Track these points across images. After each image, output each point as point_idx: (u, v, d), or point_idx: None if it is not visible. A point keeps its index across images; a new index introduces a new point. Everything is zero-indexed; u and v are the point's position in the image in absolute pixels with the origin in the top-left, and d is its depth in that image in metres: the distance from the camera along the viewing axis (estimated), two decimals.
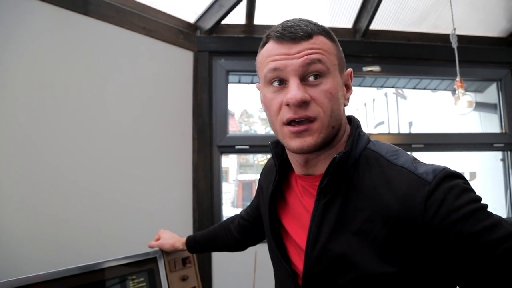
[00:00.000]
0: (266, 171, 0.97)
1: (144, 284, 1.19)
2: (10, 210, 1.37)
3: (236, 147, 2.04)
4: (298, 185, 0.81)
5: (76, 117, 1.55)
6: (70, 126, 1.53)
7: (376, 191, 0.66)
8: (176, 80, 1.93)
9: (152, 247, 1.27)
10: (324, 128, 0.69)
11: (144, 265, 1.22)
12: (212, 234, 1.24)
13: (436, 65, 2.29)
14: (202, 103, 1.99)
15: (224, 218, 2.03)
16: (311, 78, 0.69)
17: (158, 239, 1.29)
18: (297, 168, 0.80)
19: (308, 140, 0.69)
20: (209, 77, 2.02)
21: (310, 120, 0.68)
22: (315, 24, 0.72)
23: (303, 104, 0.68)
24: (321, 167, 0.75)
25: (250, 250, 1.88)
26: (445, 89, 2.87)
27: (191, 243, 1.24)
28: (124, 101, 1.72)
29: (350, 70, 0.78)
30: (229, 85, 2.10)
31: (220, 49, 2.02)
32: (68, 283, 1.05)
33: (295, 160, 0.79)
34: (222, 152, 2.03)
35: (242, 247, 1.23)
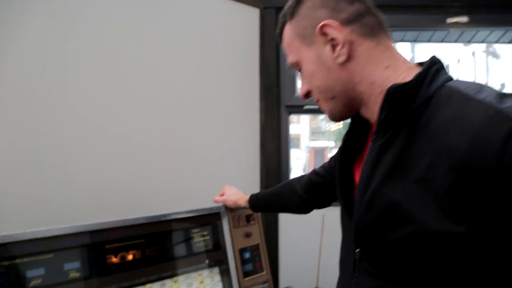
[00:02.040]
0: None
1: (207, 237, 1.21)
2: (79, 163, 1.44)
3: (305, 107, 1.96)
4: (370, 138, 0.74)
5: (141, 78, 1.58)
6: (138, 87, 1.56)
7: (444, 130, 0.54)
8: (241, 39, 1.87)
9: (216, 202, 1.28)
10: (326, 104, 0.72)
11: (208, 220, 1.23)
12: (276, 193, 1.20)
13: None
14: (269, 62, 1.92)
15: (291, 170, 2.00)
16: (300, 72, 0.75)
17: (222, 195, 1.29)
18: None
19: (327, 116, 0.75)
20: (276, 35, 1.93)
21: (308, 94, 0.76)
22: (284, 13, 0.76)
23: (308, 95, 0.76)
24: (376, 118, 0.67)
25: (318, 213, 1.83)
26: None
27: (254, 201, 1.22)
28: (188, 61, 1.72)
29: (319, 26, 0.66)
30: None
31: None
32: (136, 231, 1.09)
33: None
34: (290, 112, 1.97)
35: (307, 208, 1.16)
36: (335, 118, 0.73)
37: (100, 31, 1.46)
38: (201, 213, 1.21)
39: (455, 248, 0.53)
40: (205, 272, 1.19)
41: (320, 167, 1.10)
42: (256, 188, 1.84)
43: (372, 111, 0.68)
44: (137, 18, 1.57)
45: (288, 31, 0.74)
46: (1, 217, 1.27)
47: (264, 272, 1.29)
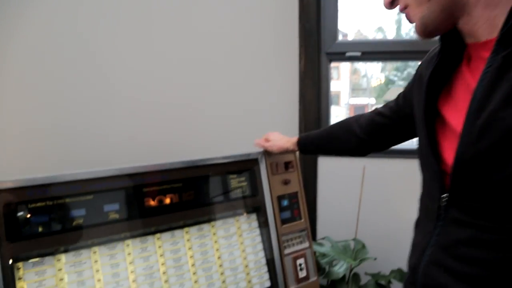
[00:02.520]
0: (429, 57, 0.77)
1: (245, 183, 1.18)
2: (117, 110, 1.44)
3: (347, 54, 1.85)
4: (470, 60, 0.63)
5: (175, 25, 1.53)
6: (172, 34, 1.51)
7: None
8: None
9: (259, 146, 1.23)
10: (419, 10, 0.60)
11: (246, 166, 1.20)
12: (329, 134, 1.12)
13: None
14: (309, 5, 1.80)
15: None
16: None
17: (267, 141, 1.23)
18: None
19: (416, 27, 0.62)
20: None
21: (406, 7, 0.62)
22: None
23: (394, 3, 0.64)
24: (487, 28, 0.56)
25: (358, 165, 1.78)
26: None
27: (304, 142, 1.16)
28: (223, 7, 1.64)
29: None
30: None
31: None
32: (173, 175, 1.08)
33: None
34: (331, 60, 1.86)
35: (365, 151, 1.08)
36: (426, 29, 0.61)
37: None
38: (238, 159, 1.18)
39: None
40: (243, 218, 1.18)
41: (384, 106, 1.00)
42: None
43: (478, 19, 0.56)
44: None
45: None
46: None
47: (302, 220, 1.26)
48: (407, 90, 0.90)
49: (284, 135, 1.24)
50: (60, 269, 0.93)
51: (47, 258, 0.93)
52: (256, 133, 1.58)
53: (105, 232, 0.98)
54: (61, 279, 0.93)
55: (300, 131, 1.79)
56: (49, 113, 1.60)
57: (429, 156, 0.66)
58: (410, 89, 0.87)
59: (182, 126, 1.62)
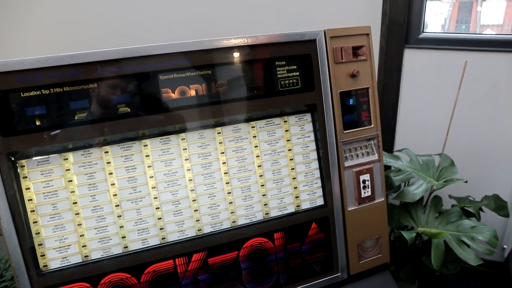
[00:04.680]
0: None
1: (296, 74, 0.89)
2: None
3: None
4: None
5: None
6: None
7: None
8: None
9: None
10: None
11: (300, 49, 0.89)
12: None
13: None
14: None
15: (426, 27, 1.48)
16: None
17: None
18: None
19: None
20: None
21: None
22: None
23: None
24: None
25: (457, 57, 1.36)
26: None
27: None
28: None
29: None
30: None
31: None
32: (198, 59, 0.83)
33: None
34: None
35: None
36: None
37: None
38: (289, 39, 0.88)
39: None
40: (292, 119, 0.92)
41: None
42: (376, 22, 1.39)
43: None
44: None
45: None
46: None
47: (372, 126, 0.97)
48: None
49: None
50: (68, 169, 0.79)
51: (53, 157, 0.78)
52: (326, 12, 1.24)
53: (115, 129, 0.79)
54: (70, 181, 0.79)
55: (384, 13, 1.39)
56: None
57: None
58: None
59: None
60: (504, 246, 1.49)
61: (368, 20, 1.38)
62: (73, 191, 0.79)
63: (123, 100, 0.79)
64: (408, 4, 1.38)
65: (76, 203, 0.79)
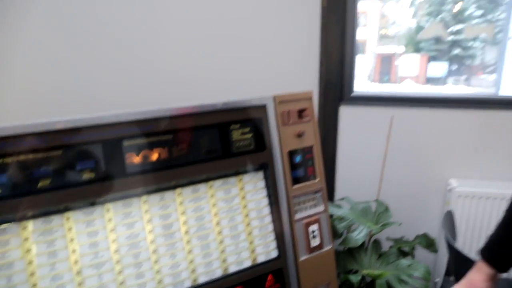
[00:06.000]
0: None
1: (249, 135, 0.98)
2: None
3: None
4: None
5: None
6: None
7: None
8: None
9: None
10: None
11: (252, 114, 0.99)
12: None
13: None
14: None
15: (355, 84, 1.66)
16: None
17: None
18: None
19: None
20: None
21: None
22: None
23: None
24: None
25: (385, 114, 1.54)
26: None
27: (492, 250, 0.85)
28: None
29: None
30: None
31: None
32: (162, 125, 0.89)
33: None
34: None
35: None
36: None
37: None
38: (242, 105, 0.97)
39: None
40: (247, 177, 0.99)
41: None
42: (314, 83, 1.55)
43: None
44: None
45: None
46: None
47: (317, 180, 1.07)
48: None
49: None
50: (26, 239, 0.78)
51: (10, 226, 0.77)
52: (269, 76, 1.36)
53: (79, 195, 0.81)
54: (28, 250, 0.78)
55: (321, 74, 1.55)
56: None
57: None
58: None
59: (186, 66, 1.41)
60: (436, 280, 1.64)
61: (308, 81, 1.53)
62: (31, 261, 0.78)
63: (87, 166, 0.82)
64: (341, 68, 1.56)
65: (33, 274, 0.78)
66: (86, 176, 0.82)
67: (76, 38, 1.42)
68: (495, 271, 0.85)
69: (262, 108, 0.99)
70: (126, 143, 0.85)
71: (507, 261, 0.84)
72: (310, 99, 1.06)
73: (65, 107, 1.43)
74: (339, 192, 1.62)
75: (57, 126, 0.79)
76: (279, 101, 1.01)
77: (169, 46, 1.46)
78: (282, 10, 1.49)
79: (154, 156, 0.87)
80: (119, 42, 1.45)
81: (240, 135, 0.97)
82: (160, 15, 1.45)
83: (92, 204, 0.83)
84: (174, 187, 0.90)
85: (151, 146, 0.87)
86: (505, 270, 0.85)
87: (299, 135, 1.04)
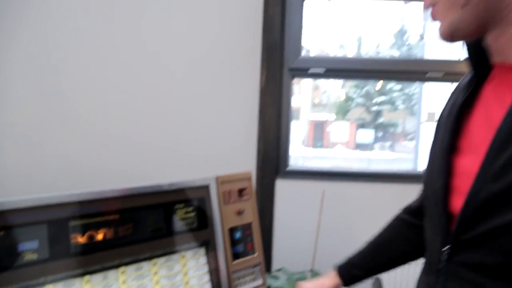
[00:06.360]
0: (458, 87, 0.70)
1: (193, 214, 1.04)
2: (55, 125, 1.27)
3: (310, 70, 1.76)
4: (493, 83, 0.57)
5: (137, 38, 1.38)
6: (128, 48, 1.37)
7: None
8: None
9: None
10: (448, 11, 0.52)
11: (195, 194, 1.06)
12: (378, 245, 0.97)
13: None
14: (274, 19, 1.71)
15: (293, 157, 1.82)
16: None
17: None
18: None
19: (441, 29, 0.55)
20: None
21: (433, 4, 0.55)
22: None
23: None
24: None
25: (317, 188, 1.68)
26: None
27: (346, 271, 0.99)
28: (185, 16, 1.52)
29: None
30: (306, 2, 1.78)
31: None
32: (108, 205, 0.93)
33: None
34: (294, 76, 1.77)
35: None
36: (453, 35, 0.54)
37: None
38: (186, 185, 1.04)
39: None
40: (189, 254, 1.04)
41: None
42: (252, 159, 1.67)
43: (511, 38, 0.50)
44: None
45: None
46: None
47: (255, 254, 1.14)
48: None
49: (311, 281, 1.05)
50: None
51: None
52: (212, 153, 1.45)
53: (20, 277, 0.81)
54: None
55: (258, 151, 1.67)
56: None
57: (438, 202, 0.59)
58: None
59: (129, 148, 1.45)
60: None
61: (247, 157, 1.64)
62: None
63: (30, 247, 0.82)
64: (277, 145, 1.70)
65: None
66: (29, 257, 0.82)
67: None
68: (342, 284, 1.00)
69: (205, 188, 1.07)
70: (72, 223, 0.87)
71: (355, 281, 0.98)
72: (249, 179, 1.16)
73: None
74: (276, 262, 1.69)
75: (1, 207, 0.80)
76: (221, 181, 1.10)
77: (112, 128, 1.50)
78: (224, 93, 1.62)
79: (100, 236, 0.90)
80: (61, 124, 1.47)
81: (184, 214, 1.02)
82: (102, 98, 1.50)
83: (34, 286, 0.82)
84: (117, 266, 0.92)
85: (97, 226, 0.90)
86: (350, 285, 1.00)
87: (239, 213, 1.12)
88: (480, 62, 0.58)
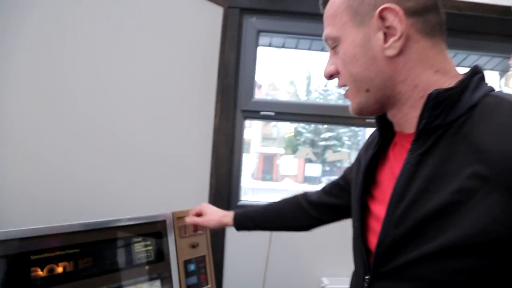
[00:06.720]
0: (370, 141, 0.84)
1: (150, 248, 1.11)
2: (10, 160, 1.30)
3: (261, 113, 1.91)
4: (395, 146, 0.70)
5: (91, 74, 1.45)
6: (84, 83, 1.43)
7: (494, 138, 0.51)
8: (202, 37, 1.79)
9: (194, 223, 1.17)
10: (357, 95, 0.65)
11: (152, 228, 1.13)
12: (273, 211, 1.10)
13: (489, 40, 2.06)
14: (229, 64, 1.85)
15: (243, 189, 1.93)
16: (334, 49, 0.67)
17: (199, 214, 1.17)
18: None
19: (351, 106, 0.68)
20: (238, 36, 1.86)
21: (344, 86, 0.68)
22: None
23: (333, 76, 0.68)
24: (410, 124, 0.63)
25: (264, 233, 1.78)
26: (492, 69, 2.63)
27: (241, 219, 1.11)
28: (144, 57, 1.61)
29: (382, 8, 0.58)
30: (259, 48, 1.94)
31: (253, 6, 1.86)
32: (68, 240, 0.97)
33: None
34: (246, 117, 1.90)
35: (312, 227, 1.08)
36: (361, 112, 0.67)
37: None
38: (144, 221, 1.11)
39: (487, 271, 0.50)
40: (145, 286, 1.09)
41: (332, 184, 1.04)
42: (205, 194, 1.76)
43: (404, 115, 0.63)
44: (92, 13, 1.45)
45: (336, 1, 0.64)
46: None
47: (208, 286, 1.21)
48: (348, 172, 0.97)
49: (217, 208, 1.19)
50: None
51: None
52: (167, 188, 1.52)
53: None
54: None
55: (211, 186, 1.77)
56: None
57: (358, 238, 0.71)
58: (350, 172, 0.93)
59: (84, 185, 1.48)
60: None
61: (199, 191, 1.73)
62: None
63: None
64: (229, 179, 1.80)
65: None
66: None
67: None
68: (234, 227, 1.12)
69: (163, 223, 1.14)
70: (32, 257, 0.91)
71: (244, 229, 1.12)
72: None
73: None
74: None
75: None
76: (177, 216, 1.18)
77: (66, 165, 1.52)
78: (179, 131, 1.71)
79: (60, 269, 0.94)
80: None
81: (142, 247, 1.09)
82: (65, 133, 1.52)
83: None
84: None
85: (57, 260, 0.94)
86: (239, 231, 1.13)
87: (194, 246, 1.20)
88: (387, 128, 0.71)
